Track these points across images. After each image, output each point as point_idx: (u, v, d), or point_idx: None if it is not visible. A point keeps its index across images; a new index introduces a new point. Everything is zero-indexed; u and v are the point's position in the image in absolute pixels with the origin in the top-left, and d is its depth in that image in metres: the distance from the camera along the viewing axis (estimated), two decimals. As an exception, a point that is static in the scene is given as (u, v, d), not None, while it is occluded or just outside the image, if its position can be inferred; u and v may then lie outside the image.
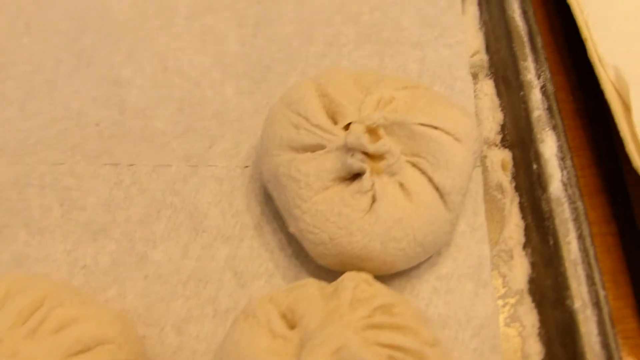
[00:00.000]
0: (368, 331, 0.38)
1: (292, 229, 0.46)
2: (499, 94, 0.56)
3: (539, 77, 0.51)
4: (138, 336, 0.44)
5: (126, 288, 0.47)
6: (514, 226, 0.49)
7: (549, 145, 0.48)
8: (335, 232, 0.43)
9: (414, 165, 0.45)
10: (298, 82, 0.49)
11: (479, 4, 0.63)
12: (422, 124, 0.44)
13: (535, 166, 0.48)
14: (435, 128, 0.45)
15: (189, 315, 0.46)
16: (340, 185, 0.45)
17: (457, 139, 0.45)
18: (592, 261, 0.44)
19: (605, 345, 0.41)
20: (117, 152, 0.54)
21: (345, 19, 0.62)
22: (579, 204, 0.46)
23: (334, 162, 0.44)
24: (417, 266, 0.47)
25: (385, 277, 0.46)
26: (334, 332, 0.37)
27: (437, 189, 0.44)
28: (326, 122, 0.45)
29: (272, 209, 0.50)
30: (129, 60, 0.59)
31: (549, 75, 0.51)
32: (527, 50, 0.53)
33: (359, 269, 0.44)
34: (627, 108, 0.49)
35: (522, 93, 0.52)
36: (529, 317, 0.46)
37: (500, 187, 0.51)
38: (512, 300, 0.47)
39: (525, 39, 0.54)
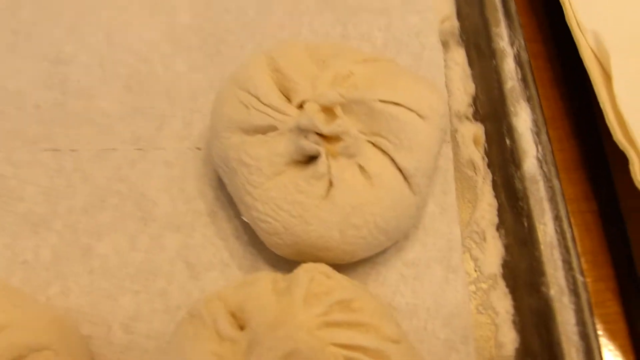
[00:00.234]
0: (324, 330, 0.35)
1: (244, 217, 0.43)
2: (471, 63, 0.52)
3: (512, 45, 0.48)
4: (81, 338, 0.41)
5: (70, 284, 0.44)
6: (487, 206, 0.46)
7: (523, 119, 0.45)
8: (289, 221, 0.40)
9: (374, 145, 0.41)
10: (249, 57, 0.45)
11: (449, -35, 0.58)
12: (383, 101, 0.41)
13: (508, 141, 0.45)
14: (397, 104, 0.41)
15: (137, 311, 0.43)
16: (295, 170, 0.41)
17: (421, 116, 0.41)
18: (570, 244, 0.41)
19: (584, 335, 0.38)
20: (58, 136, 0.50)
21: (305, -16, 0.57)
22: (555, 182, 0.42)
23: (287, 144, 0.40)
24: (383, 251, 0.44)
25: (349, 264, 0.42)
26: (285, 334, 0.34)
27: (400, 170, 0.41)
28: (278, 101, 0.42)
29: (227, 194, 0.46)
30: (71, 35, 0.55)
31: (523, 43, 0.47)
32: (500, 15, 0.49)
33: (317, 258, 0.41)
34: (607, 77, 0.46)
35: (494, 62, 0.48)
36: (503, 303, 0.43)
37: (472, 164, 0.48)
38: (484, 286, 0.44)
39: (498, 3, 0.50)
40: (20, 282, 0.44)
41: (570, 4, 0.49)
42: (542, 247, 0.41)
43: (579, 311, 0.38)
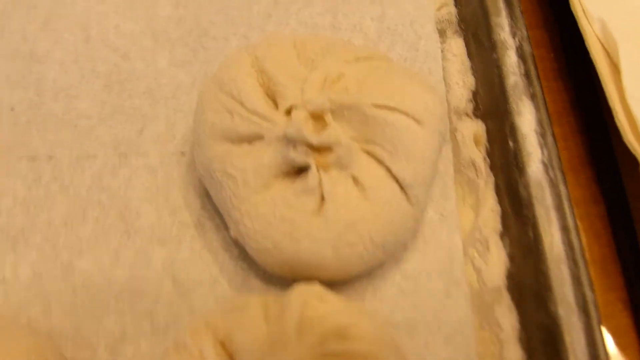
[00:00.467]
0: (318, 363, 0.32)
1: (232, 233, 0.40)
2: (470, 54, 0.48)
3: (514, 36, 0.44)
4: (63, 364, 0.39)
5: (51, 304, 0.41)
6: (490, 212, 0.43)
7: (527, 118, 0.42)
8: (279, 238, 0.37)
9: (369, 154, 0.38)
10: (230, 55, 0.42)
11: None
12: (377, 105, 0.38)
13: (511, 143, 0.42)
14: (392, 109, 0.38)
15: (123, 333, 0.40)
16: (284, 182, 0.38)
17: (418, 121, 0.38)
18: (578, 257, 0.38)
19: (594, 357, 0.35)
20: (34, 142, 0.47)
21: (292, -31, 0.53)
22: (562, 188, 0.40)
23: (274, 155, 0.38)
24: (380, 264, 0.41)
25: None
26: (276, 368, 0.32)
27: (396, 181, 0.38)
28: (264, 107, 0.39)
29: (214, 202, 0.43)
30: (45, 29, 0.51)
31: (526, 34, 0.44)
32: (501, 3, 0.46)
33: (310, 276, 0.38)
34: (616, 69, 0.42)
35: (495, 55, 0.44)
36: (508, 318, 0.40)
37: (473, 166, 0.45)
38: (488, 299, 0.41)
39: (499, -11, 0.46)
40: (-1, 302, 0.42)
41: (575, -12, 0.45)
42: (548, 260, 0.38)
43: (588, 331, 0.36)
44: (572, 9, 0.45)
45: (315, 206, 0.37)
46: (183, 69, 0.49)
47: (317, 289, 0.36)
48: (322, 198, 0.37)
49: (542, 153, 0.41)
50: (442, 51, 0.49)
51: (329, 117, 0.37)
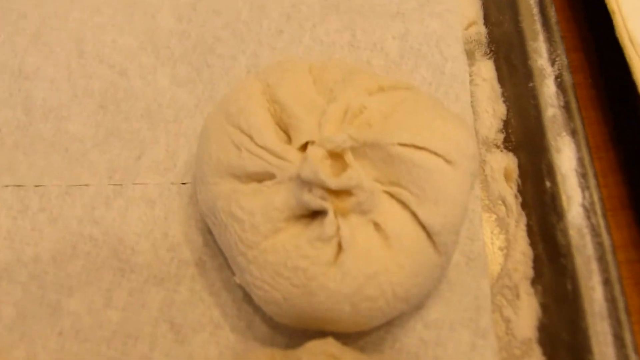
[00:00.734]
0: None
1: (237, 280, 0.36)
2: (501, 79, 0.44)
3: (552, 64, 0.40)
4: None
5: (37, 348, 0.39)
6: (520, 255, 0.39)
7: (567, 156, 0.38)
8: (290, 290, 0.33)
9: (392, 197, 0.34)
10: (240, 83, 0.38)
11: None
12: (403, 144, 0.34)
13: (548, 182, 0.38)
14: (420, 149, 0.34)
15: (115, 383, 0.37)
16: (297, 226, 0.34)
17: (448, 161, 0.34)
18: (622, 316, 0.34)
19: None
20: (21, 168, 0.43)
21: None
22: (606, 237, 0.36)
23: (287, 196, 0.34)
24: (400, 312, 0.37)
25: (360, 330, 0.36)
26: None
27: (423, 227, 0.34)
28: (275, 142, 0.35)
29: (218, 238, 0.40)
30: (36, 43, 0.48)
31: (566, 61, 0.40)
32: (538, 26, 0.42)
33: (324, 329, 0.35)
34: (664, 102, 0.38)
35: (531, 84, 0.40)
36: (539, 375, 0.37)
37: (503, 203, 0.41)
38: (517, 352, 0.38)
39: (535, 10, 0.42)
40: (-21, 345, 0.38)
41: (621, 14, 0.41)
42: (588, 316, 0.35)
43: (632, 399, 0.32)
44: (618, 35, 0.40)
45: (331, 256, 0.33)
46: (186, 89, 0.46)
47: (331, 347, 0.33)
48: (340, 247, 0.33)
49: (583, 196, 0.37)
50: (470, 75, 0.45)
51: (349, 157, 0.33)
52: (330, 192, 0.33)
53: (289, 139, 0.36)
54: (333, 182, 0.32)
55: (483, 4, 0.48)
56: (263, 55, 0.46)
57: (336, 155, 0.34)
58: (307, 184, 0.33)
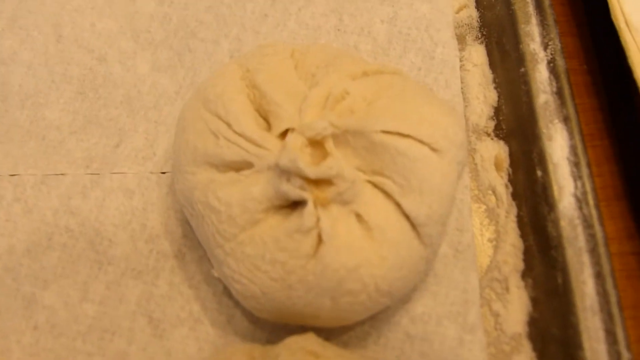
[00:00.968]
0: None
1: (215, 272, 0.35)
2: (493, 65, 0.43)
3: (545, 48, 0.39)
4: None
5: (10, 343, 0.37)
6: (510, 247, 0.38)
7: (559, 144, 0.37)
8: (268, 284, 0.32)
9: (375, 186, 0.33)
10: (219, 68, 0.36)
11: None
12: (386, 132, 0.32)
13: (539, 172, 0.37)
14: (405, 136, 0.32)
15: (91, 379, 0.36)
16: (275, 217, 0.33)
17: (434, 149, 0.33)
18: (615, 310, 0.33)
19: None
20: (-5, 157, 0.42)
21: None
22: (598, 229, 0.35)
23: (265, 187, 0.32)
24: (385, 306, 0.36)
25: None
26: None
27: (407, 218, 0.33)
28: (254, 129, 0.33)
29: (198, 230, 0.38)
30: (11, 27, 0.47)
31: (559, 46, 0.38)
32: (531, 8, 0.40)
33: (304, 324, 0.34)
34: (661, 88, 0.37)
35: (523, 69, 0.39)
36: (529, 371, 0.35)
37: (493, 192, 0.40)
38: (507, 348, 0.36)
39: (528, -8, 0.40)
40: (-48, 340, 0.37)
41: (617, -4, 0.39)
42: (578, 310, 0.33)
43: (626, 400, 0.31)
44: (613, 19, 0.39)
45: (311, 248, 0.32)
46: (166, 75, 0.44)
47: (311, 343, 0.32)
48: (320, 239, 0.32)
49: (575, 186, 0.36)
50: (460, 60, 0.44)
51: (330, 145, 0.32)
52: (310, 182, 0.32)
53: (269, 127, 0.34)
54: (312, 171, 0.31)
55: (474, -15, 0.46)
56: (246, 39, 0.45)
57: (317, 143, 0.32)
58: (286, 173, 0.31)
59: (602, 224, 0.35)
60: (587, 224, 0.35)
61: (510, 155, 0.40)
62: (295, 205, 0.33)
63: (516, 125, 0.40)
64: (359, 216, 0.32)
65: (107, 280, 0.38)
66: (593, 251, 0.34)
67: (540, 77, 0.38)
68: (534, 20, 0.40)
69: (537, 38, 0.39)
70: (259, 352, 0.32)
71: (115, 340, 0.37)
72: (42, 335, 0.37)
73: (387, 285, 0.32)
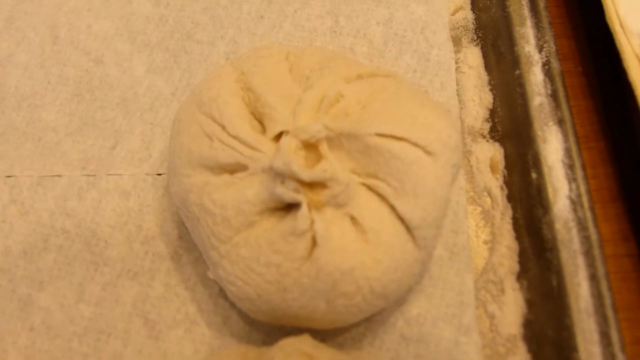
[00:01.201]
0: None
1: (211, 275, 0.35)
2: (488, 67, 0.43)
3: (540, 50, 0.39)
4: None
5: (6, 345, 0.38)
6: (506, 249, 0.38)
7: (554, 147, 0.37)
8: (263, 287, 0.32)
9: (370, 189, 0.33)
10: (215, 70, 0.36)
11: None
12: (381, 135, 0.32)
13: (534, 174, 0.37)
14: (399, 139, 0.32)
15: (86, 380, 0.36)
16: (270, 220, 0.33)
17: (429, 153, 0.33)
18: (609, 312, 0.33)
19: None
20: (-9, 158, 0.42)
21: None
22: (593, 231, 0.35)
23: (259, 189, 0.33)
24: (380, 308, 0.36)
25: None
26: None
27: (402, 221, 0.33)
28: (248, 132, 0.33)
29: (194, 231, 0.38)
30: (8, 29, 0.47)
31: (554, 48, 0.38)
32: (526, 11, 0.40)
33: (299, 325, 0.34)
34: (656, 90, 0.37)
35: (518, 71, 0.39)
36: (524, 372, 0.35)
37: (488, 194, 0.40)
38: (502, 350, 0.37)
39: (523, -7, 0.41)
40: (-53, 342, 0.37)
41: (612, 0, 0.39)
42: (573, 312, 0.33)
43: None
44: (608, 21, 0.39)
45: (305, 251, 0.32)
46: (162, 77, 0.44)
47: (306, 345, 0.32)
48: (314, 242, 0.32)
49: (570, 188, 0.36)
50: (456, 62, 0.44)
51: (324, 148, 0.32)
52: (304, 185, 0.32)
53: (264, 129, 0.34)
54: (306, 174, 0.31)
55: (470, -13, 0.46)
56: (242, 41, 0.45)
57: (311, 146, 0.32)
58: (280, 175, 0.32)
59: (596, 226, 0.35)
60: (582, 226, 0.35)
61: (506, 157, 0.40)
62: (290, 207, 0.33)
63: (511, 128, 0.40)
64: (353, 219, 0.32)
65: (103, 281, 0.38)
66: (588, 253, 0.34)
67: (535, 79, 0.39)
68: (529, 23, 0.40)
69: (532, 40, 0.40)
70: (254, 353, 0.32)
71: (111, 341, 0.37)
72: (38, 336, 0.37)
73: (382, 287, 0.32)
